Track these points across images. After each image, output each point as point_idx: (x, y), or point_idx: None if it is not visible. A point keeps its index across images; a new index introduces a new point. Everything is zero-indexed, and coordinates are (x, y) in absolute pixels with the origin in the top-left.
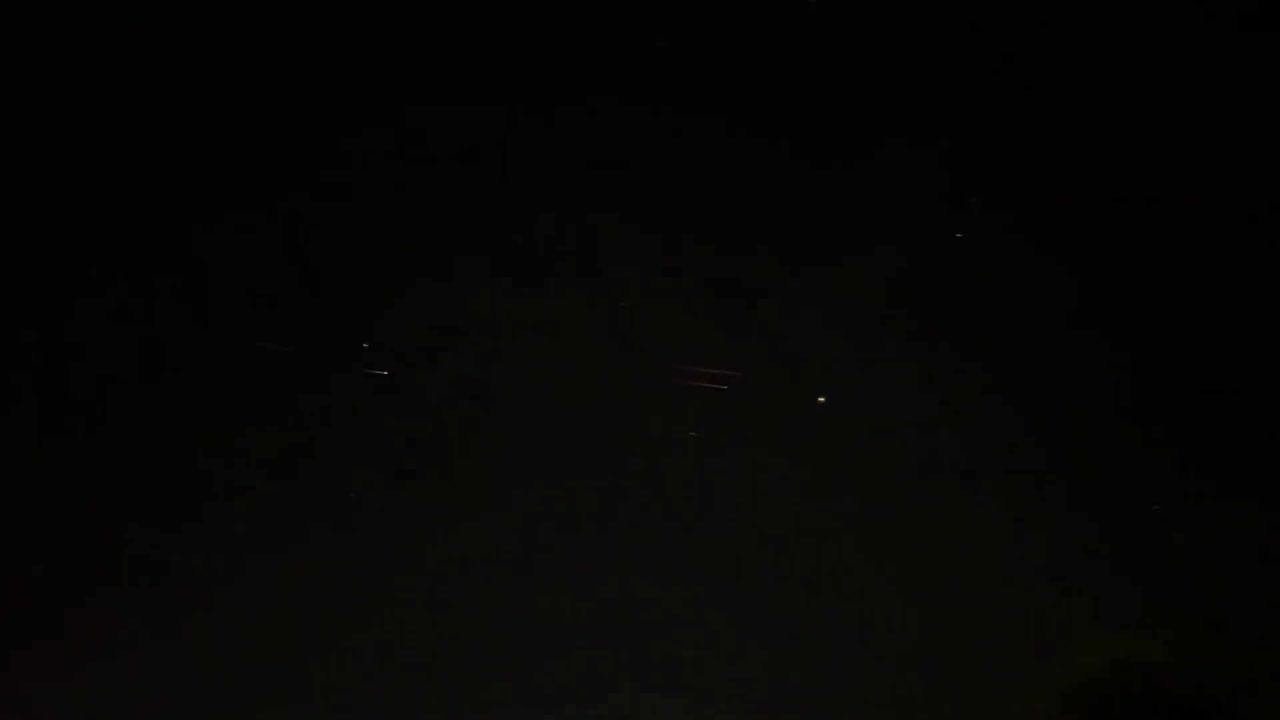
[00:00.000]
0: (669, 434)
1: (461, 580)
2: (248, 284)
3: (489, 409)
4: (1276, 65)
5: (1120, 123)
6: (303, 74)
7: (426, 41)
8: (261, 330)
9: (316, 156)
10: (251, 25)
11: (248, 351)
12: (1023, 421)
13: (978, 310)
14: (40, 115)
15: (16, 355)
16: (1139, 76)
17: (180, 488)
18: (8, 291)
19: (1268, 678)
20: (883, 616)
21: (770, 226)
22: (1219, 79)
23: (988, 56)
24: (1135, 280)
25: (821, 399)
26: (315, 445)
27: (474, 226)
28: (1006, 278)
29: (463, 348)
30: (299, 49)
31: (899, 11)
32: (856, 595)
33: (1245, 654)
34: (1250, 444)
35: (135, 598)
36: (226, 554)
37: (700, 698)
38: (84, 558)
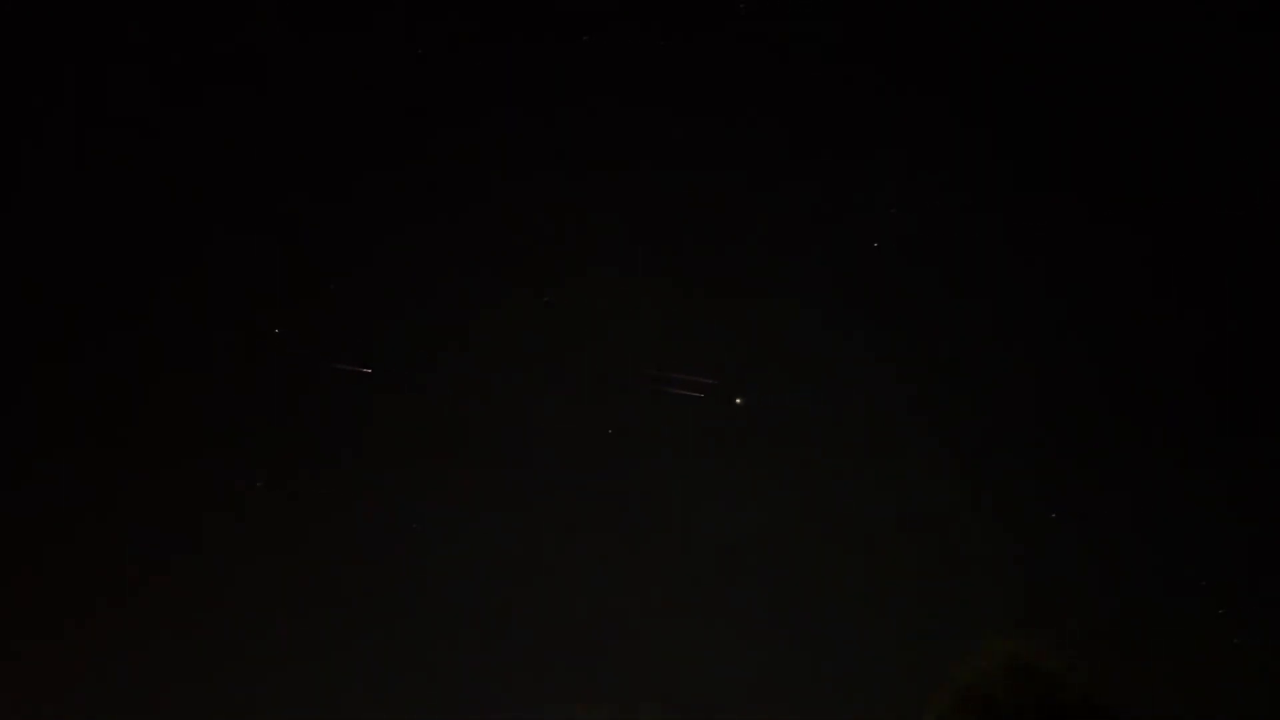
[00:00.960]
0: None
1: (461, 581)
2: (248, 285)
3: (484, 411)
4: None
5: (1119, 123)
6: (304, 75)
7: (426, 42)
8: (262, 331)
9: (317, 158)
10: (252, 26)
11: (246, 352)
12: (936, 428)
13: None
14: (42, 115)
15: (17, 355)
16: (1136, 77)
17: (177, 489)
18: (9, 291)
19: (1159, 686)
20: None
21: (764, 227)
22: (1219, 79)
23: (986, 57)
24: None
25: (739, 400)
26: (314, 445)
27: (471, 227)
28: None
29: (462, 349)
30: (299, 50)
31: (897, 11)
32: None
33: (1138, 662)
34: (1157, 453)
35: (133, 599)
36: (224, 555)
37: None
38: (84, 558)
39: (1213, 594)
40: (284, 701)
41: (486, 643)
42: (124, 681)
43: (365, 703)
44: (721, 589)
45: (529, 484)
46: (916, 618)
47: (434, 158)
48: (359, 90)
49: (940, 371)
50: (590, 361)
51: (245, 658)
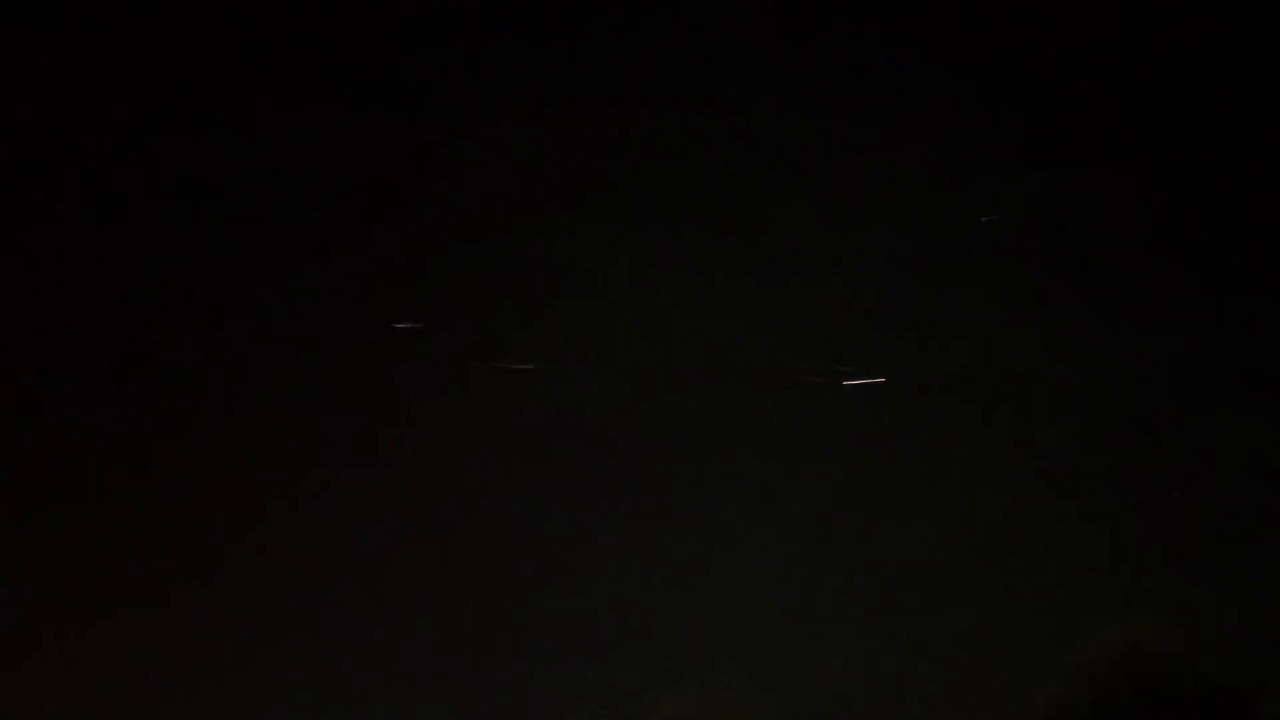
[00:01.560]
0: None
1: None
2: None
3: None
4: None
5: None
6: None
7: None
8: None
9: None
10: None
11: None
12: (1032, 406)
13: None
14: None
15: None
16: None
17: (180, 493)
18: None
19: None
20: (892, 607)
21: (786, 217)
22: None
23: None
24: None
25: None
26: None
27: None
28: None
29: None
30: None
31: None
32: (865, 589)
33: (1262, 645)
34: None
35: (133, 601)
36: (221, 554)
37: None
38: (89, 559)
39: None
40: (282, 702)
41: (543, 643)
42: (125, 684)
43: (423, 692)
44: (818, 582)
45: (589, 479)
46: (1029, 603)
47: (500, 159)
48: (356, 92)
49: (1066, 352)
50: (655, 356)
51: (240, 659)
